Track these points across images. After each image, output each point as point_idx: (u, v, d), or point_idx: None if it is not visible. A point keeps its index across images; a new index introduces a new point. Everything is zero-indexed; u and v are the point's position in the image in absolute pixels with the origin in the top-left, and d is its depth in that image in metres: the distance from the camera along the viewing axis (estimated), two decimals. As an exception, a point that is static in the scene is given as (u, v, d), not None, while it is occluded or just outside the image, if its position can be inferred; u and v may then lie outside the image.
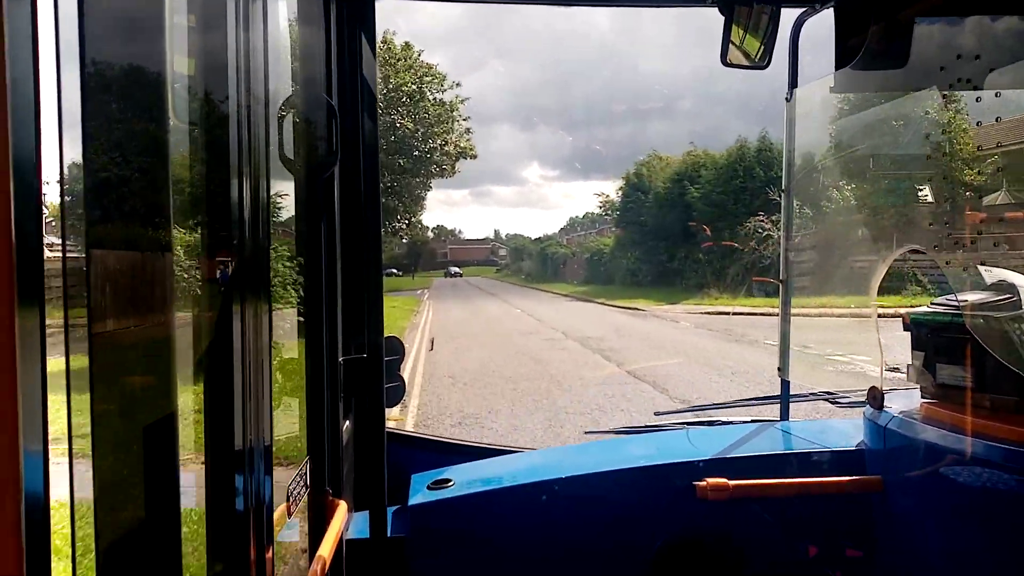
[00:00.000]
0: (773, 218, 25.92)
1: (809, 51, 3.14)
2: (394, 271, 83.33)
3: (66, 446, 0.92)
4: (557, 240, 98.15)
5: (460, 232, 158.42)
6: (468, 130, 42.02)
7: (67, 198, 1.05)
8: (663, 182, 50.95)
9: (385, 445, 2.49)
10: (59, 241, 1.11)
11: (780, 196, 3.40)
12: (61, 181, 0.97)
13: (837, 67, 2.85)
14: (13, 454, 0.75)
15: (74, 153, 0.98)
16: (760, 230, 29.49)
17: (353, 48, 2.33)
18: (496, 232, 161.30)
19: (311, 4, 2.22)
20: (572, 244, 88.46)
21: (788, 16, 2.94)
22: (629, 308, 36.37)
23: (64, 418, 0.91)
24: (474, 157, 42.69)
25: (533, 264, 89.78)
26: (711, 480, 2.63)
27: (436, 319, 31.90)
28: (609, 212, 61.84)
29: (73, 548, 0.97)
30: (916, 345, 2.64)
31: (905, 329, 2.70)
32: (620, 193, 57.37)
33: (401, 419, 11.01)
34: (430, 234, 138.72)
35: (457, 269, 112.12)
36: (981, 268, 2.54)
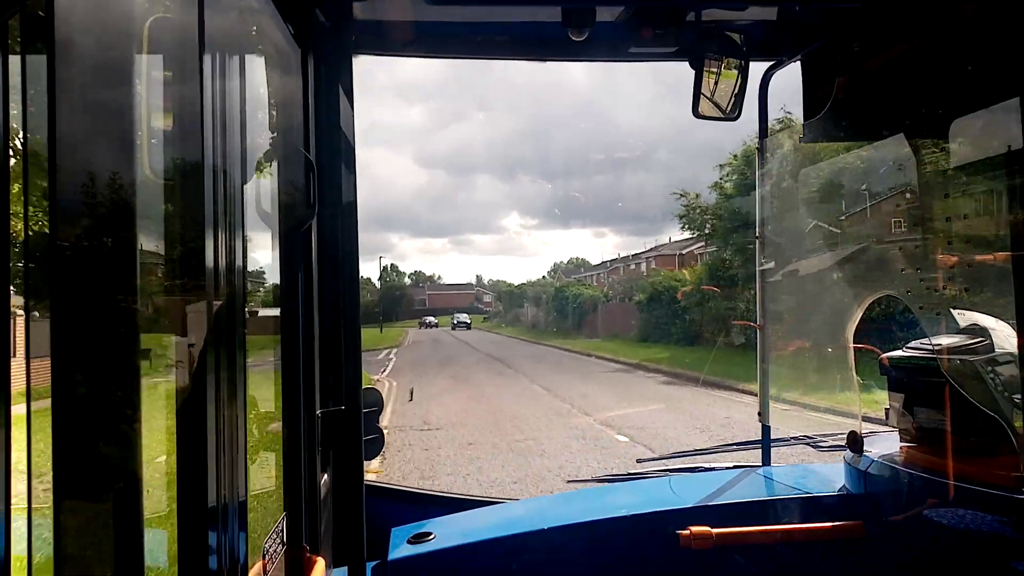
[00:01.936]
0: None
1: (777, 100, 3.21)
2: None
3: (25, 505, 0.90)
4: (581, 279, 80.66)
5: (440, 277, 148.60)
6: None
7: (37, 252, 1.05)
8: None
9: (364, 499, 2.46)
10: (23, 299, 1.10)
11: (755, 242, 3.45)
12: (26, 237, 0.97)
13: (805, 118, 2.93)
14: None
15: (43, 205, 0.98)
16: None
17: (331, 102, 2.36)
18: (478, 278, 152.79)
19: (289, 58, 2.26)
20: (608, 280, 69.06)
21: (757, 69, 3.02)
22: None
23: (24, 471, 0.90)
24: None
25: (541, 311, 70.52)
26: (695, 528, 2.61)
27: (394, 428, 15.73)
28: (694, 219, 35.48)
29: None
30: (894, 388, 2.66)
31: (882, 372, 2.72)
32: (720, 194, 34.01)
33: (380, 471, 10.37)
34: (407, 280, 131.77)
35: (432, 319, 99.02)
36: (953, 311, 2.58)
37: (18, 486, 0.85)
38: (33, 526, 0.91)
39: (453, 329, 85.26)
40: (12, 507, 0.79)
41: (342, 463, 2.50)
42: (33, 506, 0.91)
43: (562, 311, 61.04)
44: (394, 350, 44.05)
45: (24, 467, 0.88)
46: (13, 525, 0.79)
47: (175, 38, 1.38)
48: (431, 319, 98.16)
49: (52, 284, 1.01)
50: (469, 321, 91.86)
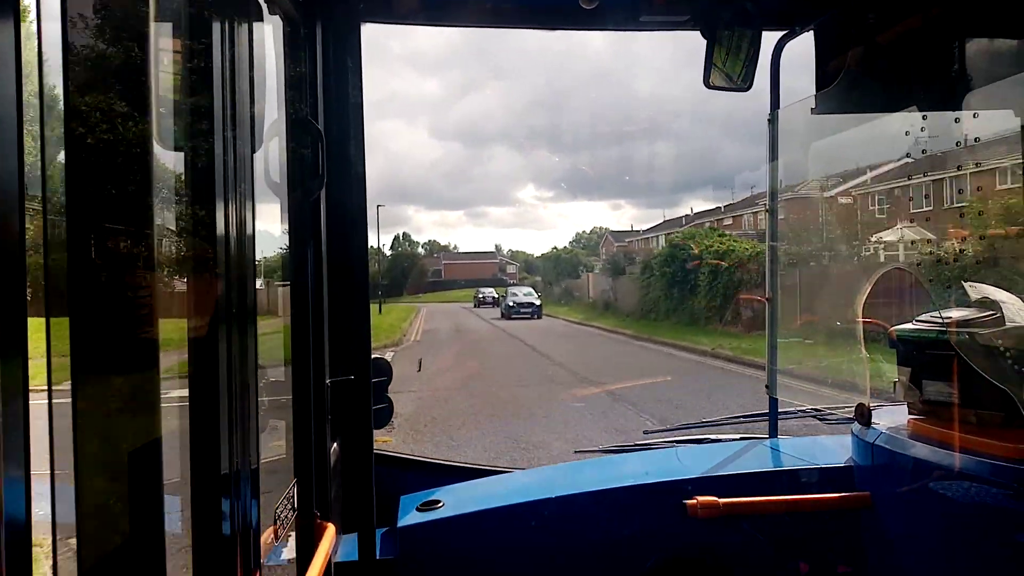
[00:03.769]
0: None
1: (790, 72, 3.18)
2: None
3: (48, 470, 0.91)
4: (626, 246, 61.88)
5: (455, 247, 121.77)
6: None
7: (50, 223, 1.05)
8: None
9: (373, 467, 2.48)
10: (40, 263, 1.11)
11: (765, 215, 3.43)
12: (44, 209, 0.97)
13: (818, 88, 2.90)
14: None
15: (58, 176, 0.98)
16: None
17: (339, 71, 2.34)
18: (498, 247, 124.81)
19: (297, 26, 2.23)
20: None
21: (769, 39, 2.98)
22: None
23: (46, 442, 0.91)
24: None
25: (619, 284, 45.22)
26: (701, 498, 2.63)
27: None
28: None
29: (55, 573, 0.96)
30: (902, 361, 2.66)
31: (891, 346, 2.72)
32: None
33: (389, 440, 10.28)
34: (421, 250, 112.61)
35: (490, 293, 64.53)
36: (965, 284, 2.57)
37: (39, 452, 0.85)
38: (55, 491, 0.93)
39: (476, 307, 60.42)
40: (33, 471, 0.80)
41: (351, 432, 2.52)
42: (55, 472, 0.92)
43: (681, 282, 34.13)
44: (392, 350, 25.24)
45: (43, 435, 0.89)
46: (33, 490, 0.80)
47: (184, 6, 1.36)
48: (488, 293, 65.16)
49: (68, 251, 1.01)
50: (529, 301, 48.92)
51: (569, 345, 29.35)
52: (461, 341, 32.49)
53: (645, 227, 78.50)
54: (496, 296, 60.97)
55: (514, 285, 64.71)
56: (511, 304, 48.72)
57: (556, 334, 35.32)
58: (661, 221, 72.26)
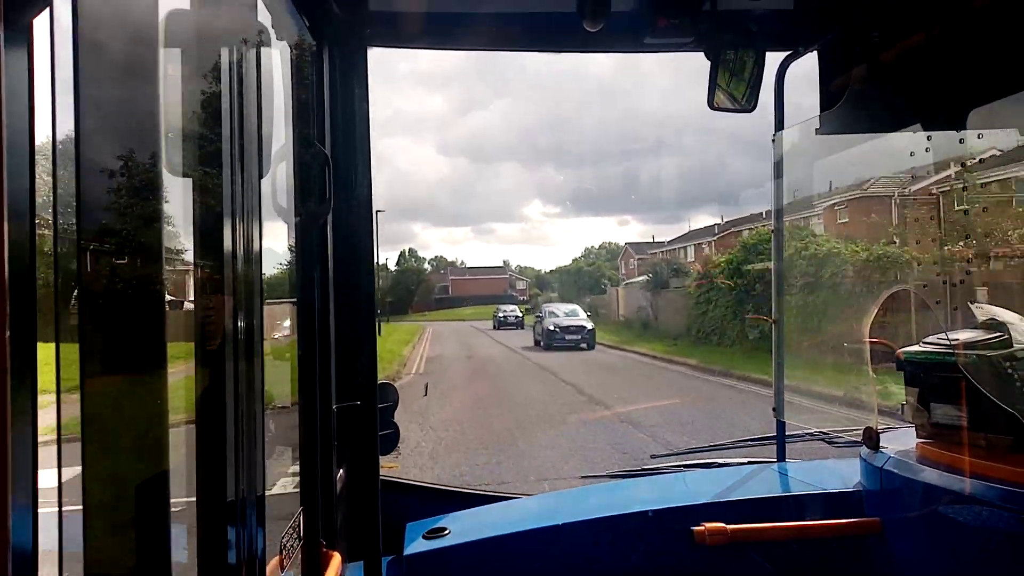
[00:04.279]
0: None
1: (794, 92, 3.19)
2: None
3: (55, 498, 0.91)
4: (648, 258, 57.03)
5: (463, 263, 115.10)
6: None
7: (60, 247, 1.05)
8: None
9: (379, 494, 2.46)
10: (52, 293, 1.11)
11: (771, 236, 3.43)
12: (55, 234, 0.97)
13: (822, 109, 2.91)
14: (1, 505, 0.74)
15: (68, 202, 0.98)
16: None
17: (346, 95, 2.36)
18: (506, 263, 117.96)
19: (304, 51, 2.25)
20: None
21: (773, 60, 3.00)
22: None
23: (54, 469, 0.90)
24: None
25: (659, 299, 38.89)
26: (709, 525, 2.60)
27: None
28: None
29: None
30: (910, 383, 2.64)
31: (898, 368, 2.70)
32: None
33: (395, 466, 10.09)
34: (427, 266, 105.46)
35: (513, 312, 54.87)
36: (971, 306, 2.56)
37: (46, 481, 0.85)
38: (62, 520, 0.92)
39: (496, 328, 50.95)
40: (40, 501, 0.80)
41: (358, 458, 2.50)
42: (62, 500, 0.92)
43: (759, 296, 25.91)
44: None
45: (48, 462, 0.89)
46: (41, 520, 0.79)
47: (192, 31, 1.37)
48: (510, 312, 54.68)
49: (77, 279, 1.01)
50: (579, 324, 37.04)
51: (623, 382, 22.42)
52: (476, 373, 25.42)
53: (668, 238, 71.07)
54: (520, 315, 51.50)
55: (550, 302, 49.79)
56: (552, 328, 36.04)
57: (596, 364, 28.28)
58: (687, 231, 65.76)
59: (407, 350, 30.75)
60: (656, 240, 77.60)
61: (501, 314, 54.50)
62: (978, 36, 2.38)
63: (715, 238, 52.36)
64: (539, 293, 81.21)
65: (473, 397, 19.41)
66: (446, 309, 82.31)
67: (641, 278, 47.75)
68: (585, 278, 62.06)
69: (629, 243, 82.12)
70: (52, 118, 0.88)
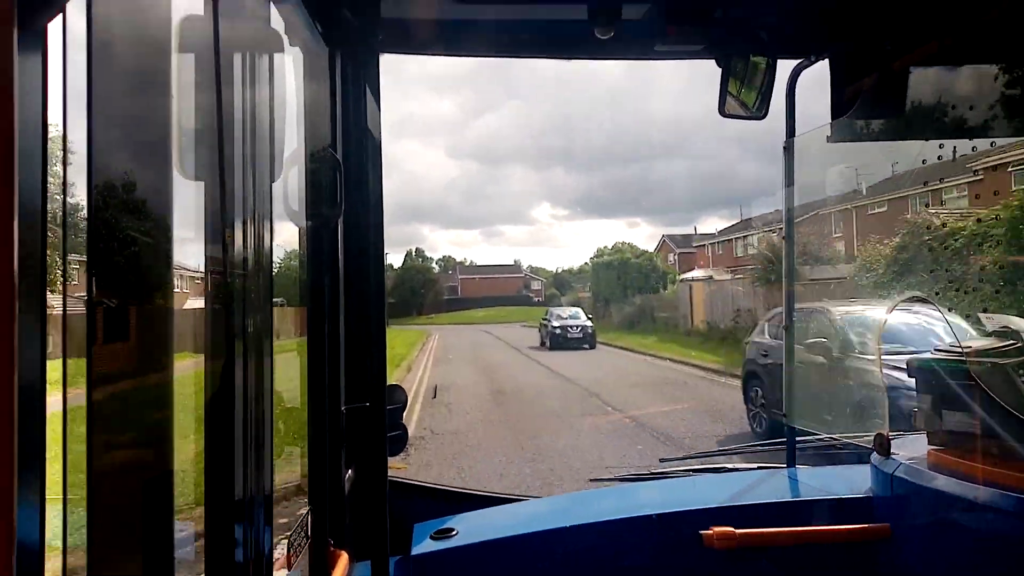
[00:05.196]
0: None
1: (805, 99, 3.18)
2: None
3: (60, 494, 0.92)
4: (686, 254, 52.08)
5: (472, 262, 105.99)
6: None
7: (70, 252, 1.07)
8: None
9: (387, 494, 2.47)
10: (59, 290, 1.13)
11: (782, 243, 3.42)
12: (64, 236, 0.99)
13: (833, 116, 2.90)
14: (7, 503, 0.75)
15: (79, 205, 1.00)
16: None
17: (358, 100, 2.38)
18: (517, 262, 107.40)
19: (316, 57, 2.27)
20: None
21: (784, 67, 2.99)
22: None
23: (59, 465, 0.92)
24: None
25: (721, 299, 34.10)
26: (718, 529, 2.60)
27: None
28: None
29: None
30: (921, 390, 2.63)
31: (909, 375, 2.69)
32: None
33: (403, 467, 9.52)
34: (435, 266, 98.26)
35: (573, 320, 39.35)
36: (983, 314, 2.54)
37: (52, 478, 0.87)
38: (68, 517, 0.94)
39: (547, 346, 37.17)
40: (47, 498, 0.81)
41: (366, 459, 2.52)
42: (68, 498, 0.94)
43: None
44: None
45: (53, 458, 0.91)
46: (48, 515, 0.81)
47: (205, 36, 1.40)
48: (573, 321, 39.06)
49: (88, 281, 1.03)
50: (579, 324, 38.26)
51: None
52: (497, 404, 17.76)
53: (718, 228, 62.48)
54: (591, 326, 38.62)
55: (557, 307, 47.27)
56: (556, 329, 36.98)
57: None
58: (738, 221, 54.95)
59: (410, 359, 24.72)
60: (698, 232, 69.27)
61: (557, 324, 38.49)
62: (990, 45, 2.37)
63: (745, 235, 45.49)
64: (556, 294, 75.77)
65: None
66: (455, 312, 75.52)
67: (696, 272, 42.03)
68: (633, 272, 48.58)
69: (667, 235, 73.03)
70: (64, 122, 0.90)
